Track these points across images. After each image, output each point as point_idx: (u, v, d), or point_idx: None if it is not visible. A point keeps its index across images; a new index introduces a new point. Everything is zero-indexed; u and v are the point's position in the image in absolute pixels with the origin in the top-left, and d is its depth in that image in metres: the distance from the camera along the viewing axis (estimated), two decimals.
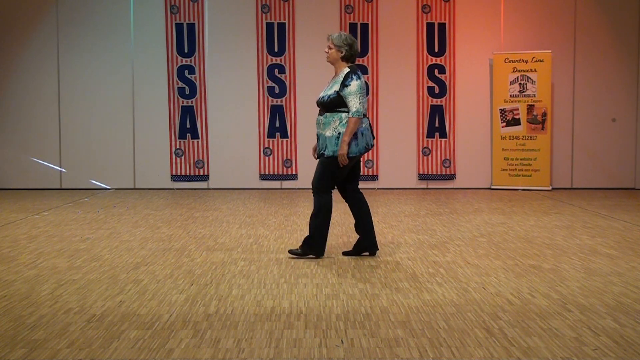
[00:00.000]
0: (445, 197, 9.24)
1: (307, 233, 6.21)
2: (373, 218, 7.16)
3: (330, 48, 5.04)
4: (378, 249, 5.28)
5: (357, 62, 10.36)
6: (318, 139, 5.05)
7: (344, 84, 4.89)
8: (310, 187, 5.18)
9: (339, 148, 4.87)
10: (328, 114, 4.95)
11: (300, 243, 5.27)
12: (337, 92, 4.90)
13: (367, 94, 5.04)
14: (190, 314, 3.67)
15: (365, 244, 5.18)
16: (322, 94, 5.05)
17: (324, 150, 4.96)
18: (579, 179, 10.40)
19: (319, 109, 5.09)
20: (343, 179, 5.12)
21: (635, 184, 10.39)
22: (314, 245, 5.08)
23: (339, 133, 4.88)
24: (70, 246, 5.63)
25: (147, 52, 10.15)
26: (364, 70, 10.14)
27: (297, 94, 10.17)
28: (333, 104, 4.92)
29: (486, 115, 10.35)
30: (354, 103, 4.84)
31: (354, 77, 4.91)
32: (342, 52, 5.00)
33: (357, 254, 5.21)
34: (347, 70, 4.98)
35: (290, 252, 5.19)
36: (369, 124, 5.06)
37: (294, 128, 10.20)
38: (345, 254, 5.24)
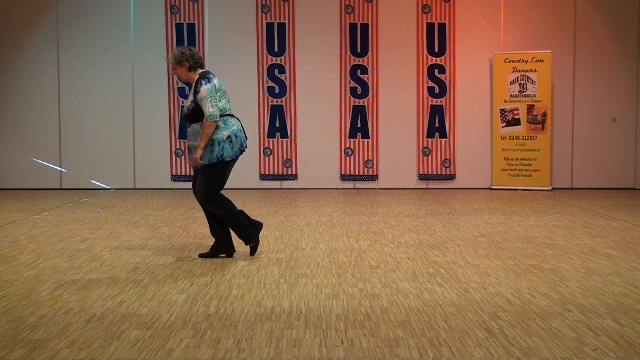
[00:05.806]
0: (445, 197, 9.24)
1: (306, 233, 6.23)
2: (373, 218, 7.19)
3: (174, 69, 5.03)
4: (235, 251, 5.26)
5: (357, 63, 10.31)
6: (189, 151, 5.03)
7: (195, 91, 4.90)
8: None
9: (204, 153, 4.85)
10: (195, 125, 4.94)
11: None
12: (194, 102, 4.91)
13: (225, 94, 5.02)
14: (190, 314, 3.67)
15: (222, 247, 5.15)
16: (184, 107, 5.04)
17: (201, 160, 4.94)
18: (579, 179, 10.40)
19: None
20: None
21: (635, 184, 10.39)
22: (244, 233, 5.08)
23: (212, 140, 4.87)
24: (70, 246, 5.63)
25: (147, 52, 10.15)
26: (364, 70, 10.15)
27: (297, 94, 10.18)
28: (195, 113, 4.91)
29: (486, 115, 10.35)
30: (207, 107, 4.82)
31: (203, 82, 4.90)
32: (186, 65, 4.99)
33: (214, 256, 5.17)
34: (197, 77, 4.99)
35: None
36: (241, 125, 5.06)
37: (294, 128, 10.19)
38: (201, 255, 5.19)
